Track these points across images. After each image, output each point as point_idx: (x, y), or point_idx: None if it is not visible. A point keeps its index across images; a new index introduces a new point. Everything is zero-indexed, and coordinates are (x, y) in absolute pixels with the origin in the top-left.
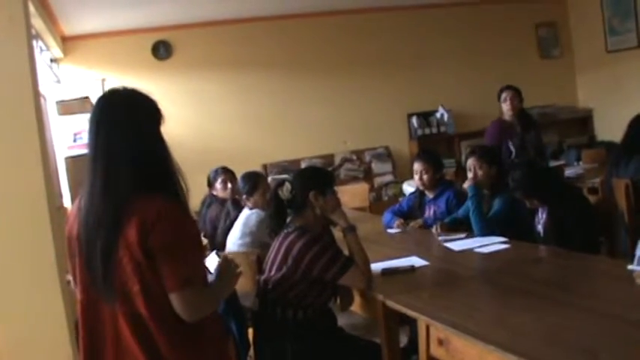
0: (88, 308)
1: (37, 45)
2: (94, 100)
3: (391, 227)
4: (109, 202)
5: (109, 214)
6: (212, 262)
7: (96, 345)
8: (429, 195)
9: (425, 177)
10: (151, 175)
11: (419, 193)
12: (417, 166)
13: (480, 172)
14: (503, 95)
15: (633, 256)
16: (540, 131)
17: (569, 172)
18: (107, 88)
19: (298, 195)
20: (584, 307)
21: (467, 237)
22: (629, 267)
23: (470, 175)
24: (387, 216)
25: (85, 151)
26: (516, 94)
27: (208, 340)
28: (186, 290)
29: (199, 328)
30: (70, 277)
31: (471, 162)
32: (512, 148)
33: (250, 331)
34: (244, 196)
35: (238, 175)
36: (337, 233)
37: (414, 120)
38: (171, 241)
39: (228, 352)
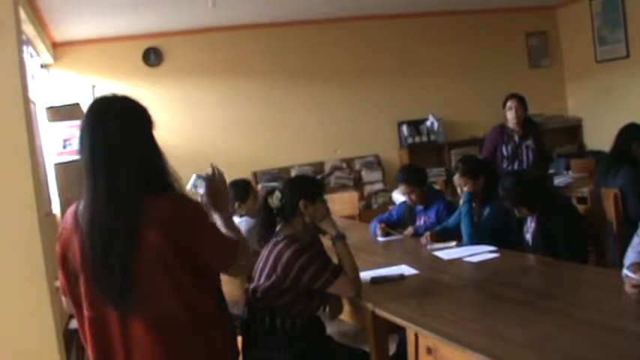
0: (97, 324)
1: (27, 51)
2: (84, 106)
3: (377, 235)
4: (115, 208)
5: (120, 219)
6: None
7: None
8: (420, 205)
9: (413, 196)
10: (152, 177)
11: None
12: (402, 189)
13: (465, 189)
14: (508, 104)
15: (622, 265)
16: (542, 139)
17: (558, 181)
18: (97, 94)
19: (288, 203)
20: (573, 316)
21: (456, 246)
22: (625, 271)
23: (459, 191)
24: (374, 225)
25: (75, 157)
26: (521, 103)
27: (230, 341)
28: (237, 261)
29: (226, 329)
30: (58, 285)
31: (455, 180)
32: (505, 153)
33: (239, 339)
34: (236, 203)
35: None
36: (327, 242)
37: (404, 128)
38: (203, 232)
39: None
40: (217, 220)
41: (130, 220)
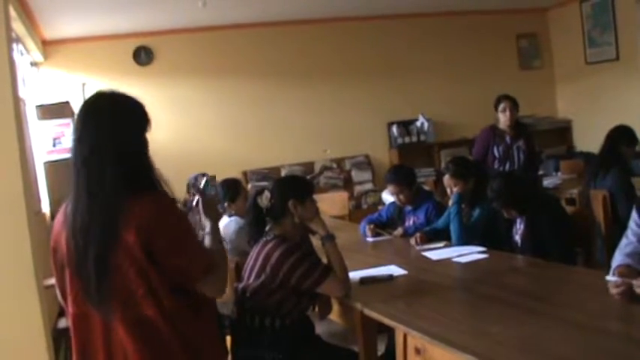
0: (79, 321)
1: (17, 48)
2: (74, 104)
3: (367, 236)
4: (96, 205)
5: (99, 217)
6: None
7: (89, 358)
8: (409, 206)
9: (402, 197)
10: (136, 177)
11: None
12: (391, 189)
13: (455, 189)
14: (502, 105)
15: (609, 267)
16: (533, 140)
17: (547, 182)
18: (87, 92)
19: (277, 203)
20: (561, 317)
21: (445, 246)
22: (608, 277)
23: (448, 191)
24: (363, 225)
25: (64, 155)
26: (514, 105)
27: (212, 339)
28: (211, 274)
29: (205, 328)
30: (47, 284)
31: (445, 180)
32: (496, 154)
33: (228, 338)
34: (226, 203)
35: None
36: (316, 242)
37: (394, 128)
38: (178, 237)
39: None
40: (207, 226)
41: (109, 220)
